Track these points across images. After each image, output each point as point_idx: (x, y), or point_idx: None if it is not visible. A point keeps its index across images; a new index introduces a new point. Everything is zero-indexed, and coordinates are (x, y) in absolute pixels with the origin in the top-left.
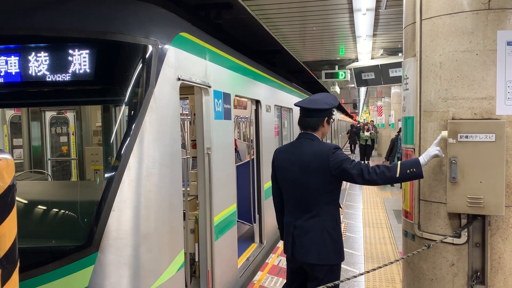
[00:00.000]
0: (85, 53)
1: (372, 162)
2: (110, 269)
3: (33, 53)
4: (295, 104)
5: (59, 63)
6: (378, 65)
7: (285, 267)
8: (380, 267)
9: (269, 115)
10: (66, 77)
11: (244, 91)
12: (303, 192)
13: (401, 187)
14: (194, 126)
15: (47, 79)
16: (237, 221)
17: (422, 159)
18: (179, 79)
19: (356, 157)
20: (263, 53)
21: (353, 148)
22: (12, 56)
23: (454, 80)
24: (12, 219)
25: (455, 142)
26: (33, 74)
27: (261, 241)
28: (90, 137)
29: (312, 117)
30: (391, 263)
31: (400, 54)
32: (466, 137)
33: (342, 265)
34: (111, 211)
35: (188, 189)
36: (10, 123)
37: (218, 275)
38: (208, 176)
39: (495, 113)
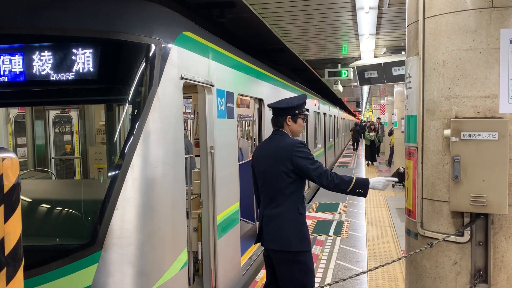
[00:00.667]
0: (88, 52)
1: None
2: (114, 268)
3: (37, 52)
4: (267, 105)
5: (63, 62)
6: (381, 63)
7: None
8: (383, 265)
9: None
10: (70, 76)
11: (247, 89)
12: (270, 183)
13: (402, 185)
14: (197, 125)
15: (51, 78)
16: (240, 219)
17: (371, 183)
18: (182, 78)
19: (358, 157)
20: (266, 51)
21: (356, 147)
22: (16, 55)
23: (457, 79)
24: (17, 218)
25: (458, 141)
26: (37, 73)
27: None
28: (94, 136)
29: (277, 116)
30: (394, 261)
31: (403, 53)
32: (469, 135)
33: (345, 264)
34: (115, 210)
35: (191, 187)
36: (14, 122)
37: (221, 273)
38: (211, 174)
39: (498, 112)
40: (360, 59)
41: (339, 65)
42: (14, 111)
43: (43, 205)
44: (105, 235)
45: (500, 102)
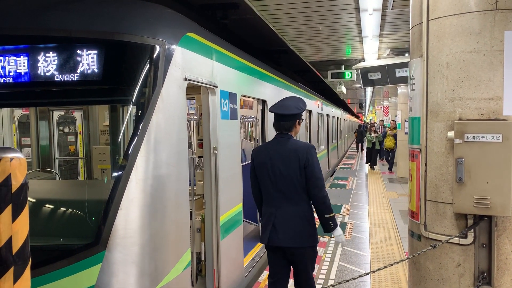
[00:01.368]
0: (93, 53)
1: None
2: (118, 268)
3: (42, 53)
4: (270, 110)
5: (68, 63)
6: (384, 65)
7: None
8: (386, 267)
9: None
10: (74, 77)
11: (250, 91)
12: (284, 184)
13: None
14: (200, 126)
15: (56, 79)
16: (243, 220)
17: (337, 229)
18: (186, 79)
19: (362, 158)
20: (269, 53)
21: (360, 147)
22: (21, 56)
23: (461, 81)
24: (24, 217)
25: (462, 143)
26: (42, 74)
27: None
28: (98, 136)
29: (286, 121)
30: (397, 262)
31: (406, 54)
32: (473, 137)
33: (348, 265)
34: (119, 210)
35: (195, 188)
36: (18, 123)
37: (224, 274)
38: (214, 175)
39: (502, 114)
40: (364, 61)
41: (343, 66)
42: (18, 112)
43: (48, 205)
44: (109, 235)
45: (504, 104)
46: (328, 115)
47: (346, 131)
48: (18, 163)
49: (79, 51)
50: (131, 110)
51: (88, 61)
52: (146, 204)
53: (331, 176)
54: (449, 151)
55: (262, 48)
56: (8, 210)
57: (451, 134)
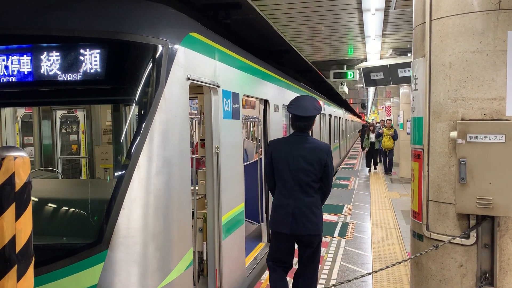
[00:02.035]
0: (96, 52)
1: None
2: (120, 267)
3: (45, 53)
4: (289, 111)
5: (70, 63)
6: (387, 65)
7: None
8: (388, 267)
9: (278, 114)
10: (77, 76)
11: (253, 90)
12: (303, 178)
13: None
14: (202, 125)
15: (59, 79)
16: (245, 220)
17: None
18: (188, 78)
19: (364, 158)
20: (271, 53)
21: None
22: (25, 56)
23: (464, 81)
24: (27, 216)
25: (464, 143)
26: (45, 73)
27: (268, 241)
28: (100, 136)
29: (305, 121)
30: (399, 263)
31: (409, 54)
32: (476, 137)
33: (349, 265)
34: (121, 209)
35: (197, 188)
36: (21, 122)
37: (226, 274)
38: (216, 175)
39: (505, 114)
40: (366, 61)
41: (345, 66)
42: (21, 111)
43: (50, 204)
44: (111, 234)
45: (507, 105)
46: (330, 115)
47: (348, 131)
48: (22, 162)
49: (82, 51)
50: (133, 109)
51: (91, 60)
52: (149, 203)
53: (333, 176)
54: (452, 151)
55: (265, 48)
56: (12, 208)
57: (453, 134)
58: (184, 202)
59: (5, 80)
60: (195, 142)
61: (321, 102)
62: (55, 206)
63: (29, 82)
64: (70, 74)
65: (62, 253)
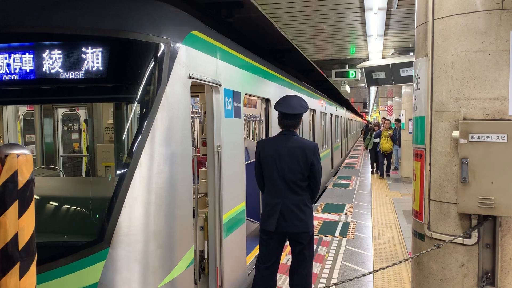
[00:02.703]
0: (98, 51)
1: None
2: (121, 265)
3: (47, 51)
4: (276, 109)
5: (73, 61)
6: (389, 64)
7: None
8: (389, 266)
9: None
10: (79, 74)
11: (254, 89)
12: (290, 176)
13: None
14: (204, 124)
15: (61, 77)
16: (246, 219)
17: None
18: (190, 77)
19: (365, 157)
20: (273, 51)
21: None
22: (27, 54)
23: (466, 80)
24: (30, 213)
25: (466, 143)
26: (47, 71)
27: None
28: (102, 134)
29: (292, 119)
30: (400, 262)
31: (411, 54)
32: (478, 137)
33: (350, 265)
34: (123, 208)
35: (198, 186)
36: (23, 120)
37: (227, 272)
38: (217, 174)
39: (508, 114)
40: (368, 60)
41: (347, 65)
42: (23, 109)
43: (52, 202)
44: (112, 232)
45: (510, 104)
46: (331, 114)
47: (350, 131)
48: (25, 159)
49: (84, 49)
50: (135, 107)
51: (93, 58)
52: (150, 201)
53: (334, 176)
54: (454, 151)
55: (266, 46)
56: (15, 206)
57: (455, 134)
58: (186, 201)
59: (7, 78)
60: (196, 141)
61: (322, 101)
62: (56, 204)
63: (31, 80)
64: (72, 72)
65: (64, 251)
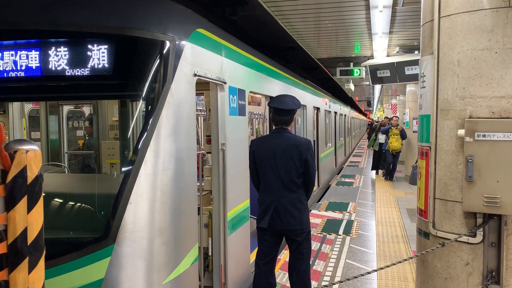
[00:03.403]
0: (104, 48)
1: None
2: (126, 261)
3: (53, 48)
4: (268, 105)
5: (78, 58)
6: (393, 62)
7: None
8: (394, 264)
9: None
10: (85, 71)
11: (259, 87)
12: (285, 174)
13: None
14: (208, 121)
15: (66, 74)
16: (250, 217)
17: None
18: (195, 75)
19: (369, 156)
20: (277, 49)
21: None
22: (33, 51)
23: (472, 78)
24: (39, 208)
25: (472, 141)
26: (53, 68)
27: None
28: (107, 131)
29: (285, 116)
30: (405, 260)
31: (416, 52)
32: (484, 136)
33: (354, 263)
34: (128, 204)
35: (203, 184)
36: (28, 117)
37: (230, 269)
38: (222, 171)
39: None
40: (373, 58)
41: (351, 63)
42: (28, 106)
43: (57, 199)
44: (118, 229)
45: None
46: (335, 113)
47: (354, 129)
48: (34, 155)
49: (89, 46)
50: (140, 105)
51: (99, 56)
52: (155, 198)
53: (338, 174)
54: (459, 149)
55: (271, 44)
56: (24, 201)
57: (461, 132)
58: (190, 198)
59: (13, 74)
60: (200, 139)
61: (326, 99)
62: (62, 200)
63: (37, 77)
64: (77, 70)
65: (69, 247)
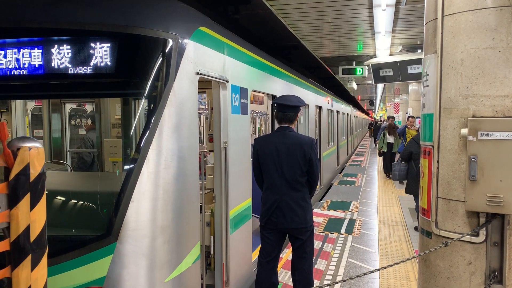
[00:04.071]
0: (106, 46)
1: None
2: (128, 259)
3: (56, 46)
4: (274, 101)
5: (81, 56)
6: (396, 61)
7: None
8: (396, 263)
9: None
10: (88, 69)
11: (261, 86)
12: (289, 173)
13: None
14: (210, 120)
15: (69, 72)
16: (252, 215)
17: None
18: (197, 73)
19: (371, 156)
20: (280, 48)
21: (375, 142)
22: (36, 49)
23: (476, 77)
24: (41, 206)
25: (475, 140)
26: (56, 66)
27: None
28: (109, 129)
29: (290, 112)
30: (408, 259)
31: (419, 51)
32: (487, 135)
33: (356, 262)
34: (130, 202)
35: (205, 182)
36: (31, 115)
37: (232, 268)
38: (224, 170)
39: None
40: (375, 57)
41: (354, 62)
42: (31, 104)
43: (60, 196)
44: (120, 227)
45: None
46: (338, 112)
47: (356, 128)
48: (37, 152)
49: (92, 44)
50: (143, 103)
51: (101, 54)
52: (157, 197)
53: (340, 173)
54: (462, 148)
55: (274, 43)
56: (27, 198)
57: (464, 131)
58: (192, 196)
59: (16, 72)
60: (202, 137)
61: (328, 98)
62: (64, 198)
63: (40, 75)
64: (80, 68)
65: (72, 245)
